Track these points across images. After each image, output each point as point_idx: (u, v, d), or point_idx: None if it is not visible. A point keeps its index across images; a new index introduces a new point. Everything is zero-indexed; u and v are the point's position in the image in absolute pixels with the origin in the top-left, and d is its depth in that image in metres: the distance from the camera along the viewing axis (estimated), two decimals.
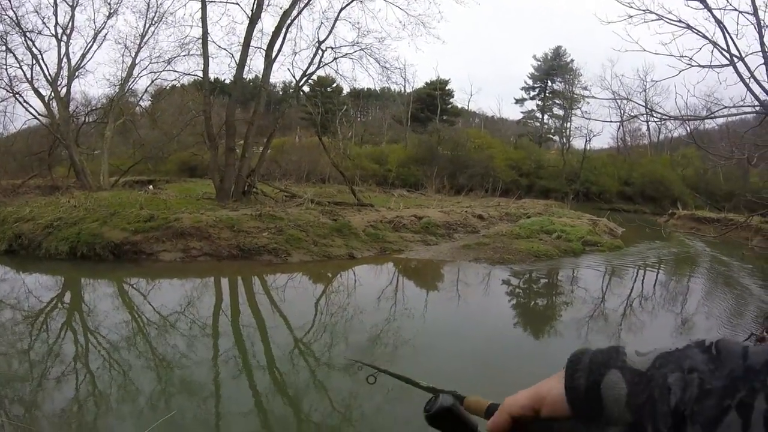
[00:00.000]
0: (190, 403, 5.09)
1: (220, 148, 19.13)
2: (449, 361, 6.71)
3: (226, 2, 19.68)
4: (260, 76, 20.51)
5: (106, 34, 25.01)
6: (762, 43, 9.03)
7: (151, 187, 22.50)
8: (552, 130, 54.21)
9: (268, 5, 19.76)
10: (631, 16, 10.15)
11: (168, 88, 29.43)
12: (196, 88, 26.44)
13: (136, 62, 24.94)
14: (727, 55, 9.30)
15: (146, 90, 29.06)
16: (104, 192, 19.13)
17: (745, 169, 26.64)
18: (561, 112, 51.34)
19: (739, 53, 9.27)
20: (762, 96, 9.09)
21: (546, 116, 53.73)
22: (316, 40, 20.89)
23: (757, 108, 9.46)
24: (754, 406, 0.47)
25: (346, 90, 49.90)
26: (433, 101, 49.80)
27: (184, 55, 22.02)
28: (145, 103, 31.31)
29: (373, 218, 16.22)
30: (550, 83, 52.56)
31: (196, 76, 21.31)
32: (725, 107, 10.62)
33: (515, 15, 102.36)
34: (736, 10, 9.47)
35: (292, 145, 38.24)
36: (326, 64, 21.38)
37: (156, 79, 25.85)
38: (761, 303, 11.47)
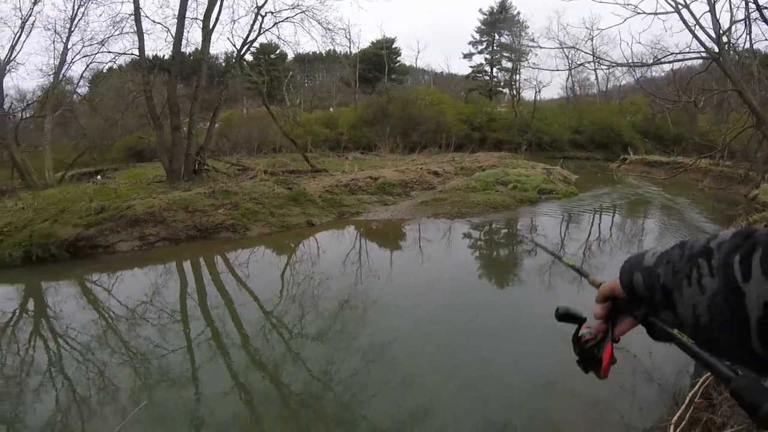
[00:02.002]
0: (170, 391, 5.11)
1: (165, 128, 18.55)
2: (418, 319, 6.89)
3: None
4: (199, 48, 19.91)
5: (33, 22, 23.61)
6: None
7: (99, 177, 21.75)
8: (502, 83, 54.37)
9: None
10: None
11: (105, 71, 28.13)
12: (134, 68, 25.32)
13: (69, 47, 23.70)
14: (672, 2, 9.47)
15: (82, 76, 27.77)
16: (51, 189, 18.38)
17: (692, 113, 27.33)
18: (510, 65, 51.49)
19: (684, 0, 9.44)
20: (708, 42, 9.31)
21: (495, 69, 53.70)
22: (255, 5, 20.22)
23: (703, 54, 9.69)
24: (691, 275, 0.77)
25: (290, 56, 49.03)
26: (380, 61, 49.35)
27: (117, 35, 21.02)
28: (83, 90, 29.80)
29: (329, 183, 16.19)
30: (497, 36, 52.44)
31: (133, 55, 20.38)
32: (671, 53, 10.89)
33: None
34: None
35: (239, 117, 37.50)
36: (267, 30, 20.79)
37: (91, 63, 24.39)
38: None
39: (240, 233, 11.92)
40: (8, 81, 26.09)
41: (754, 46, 12.10)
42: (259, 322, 6.97)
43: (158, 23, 19.17)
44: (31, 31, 23.83)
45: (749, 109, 9.05)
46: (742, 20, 10.05)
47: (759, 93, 12.56)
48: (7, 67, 23.54)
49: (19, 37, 23.46)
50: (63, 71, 24.59)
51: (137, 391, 5.07)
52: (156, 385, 5.27)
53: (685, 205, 17.55)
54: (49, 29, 23.98)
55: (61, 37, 23.67)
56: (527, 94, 50.78)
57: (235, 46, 20.76)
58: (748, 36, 11.11)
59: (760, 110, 9.27)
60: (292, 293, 8.44)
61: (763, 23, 9.18)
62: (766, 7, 9.31)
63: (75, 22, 23.20)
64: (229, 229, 11.93)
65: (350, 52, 45.71)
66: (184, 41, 18.89)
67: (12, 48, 23.55)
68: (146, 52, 19.20)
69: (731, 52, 10.50)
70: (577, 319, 1.12)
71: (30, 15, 23.26)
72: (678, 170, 17.14)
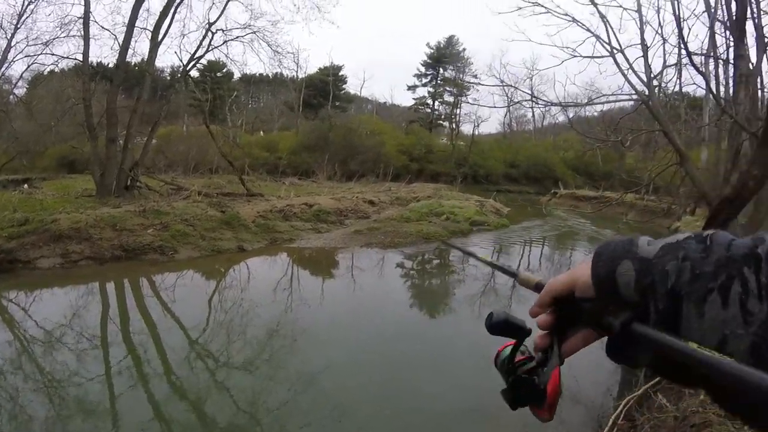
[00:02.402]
0: (87, 423, 4.93)
1: (100, 139, 18.05)
2: (349, 349, 7.00)
3: None
4: (145, 60, 19.58)
5: None
6: (642, 38, 9.98)
7: (26, 186, 20.87)
8: (442, 116, 55.96)
9: None
10: (520, 8, 10.81)
11: (46, 73, 27.06)
12: (75, 74, 24.44)
13: (12, 45, 22.73)
14: (608, 47, 10.16)
15: (21, 76, 26.23)
16: None
17: (621, 151, 28.99)
18: (451, 99, 53.11)
19: (620, 46, 10.19)
20: (639, 86, 10.01)
21: (437, 103, 55.28)
22: (207, 21, 20.33)
23: (634, 96, 10.37)
24: (731, 289, 0.57)
25: (236, 75, 48.71)
26: (325, 87, 49.81)
27: (63, 37, 20.21)
28: (21, 91, 28.56)
29: (263, 208, 16.16)
30: (441, 71, 54.07)
31: (76, 60, 19.82)
32: (604, 95, 11.63)
33: (411, 3, 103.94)
34: (620, 6, 10.41)
35: (179, 134, 36.80)
36: (216, 47, 20.86)
37: (32, 63, 23.26)
38: None
39: (168, 255, 11.68)
40: None
41: (684, 89, 13.13)
42: (184, 349, 6.83)
43: (107, 29, 18.69)
44: None
45: (674, 148, 9.77)
46: (673, 65, 10.90)
47: (685, 133, 13.57)
48: None
49: None
50: (2, 69, 23.50)
51: (52, 422, 4.85)
52: (72, 415, 5.06)
53: (611, 237, 18.51)
54: None
55: (5, 33, 22.61)
56: (466, 128, 52.56)
57: (182, 60, 20.57)
58: (678, 80, 12.10)
59: (684, 149, 9.98)
60: (220, 320, 8.34)
61: (692, 68, 9.94)
62: (695, 53, 10.16)
63: (23, 18, 22.20)
64: (157, 251, 11.66)
65: (297, 76, 45.97)
66: (130, 51, 18.68)
67: None
68: (90, 59, 18.74)
69: (661, 94, 11.28)
70: (518, 332, 0.84)
71: None
72: (605, 204, 18.17)
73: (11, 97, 27.47)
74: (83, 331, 7.36)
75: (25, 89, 28.53)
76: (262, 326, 7.88)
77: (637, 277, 0.66)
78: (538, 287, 0.85)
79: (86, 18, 17.80)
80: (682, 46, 9.34)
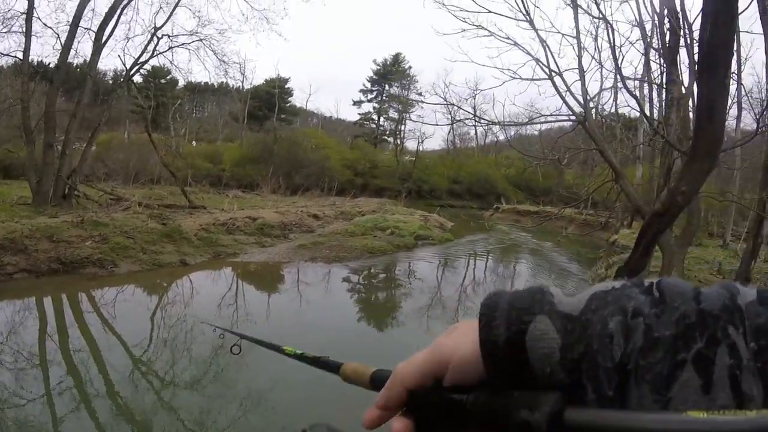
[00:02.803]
0: None
1: (38, 144, 17.40)
2: (296, 364, 6.95)
3: None
4: (87, 62, 19.01)
5: None
6: (580, 63, 10.52)
7: None
8: (387, 132, 56.61)
9: None
10: (464, 30, 11.18)
11: None
12: (14, 72, 23.49)
13: None
14: (548, 71, 10.62)
15: None
16: None
17: (560, 168, 30.14)
18: (396, 115, 53.77)
19: (558, 69, 10.68)
20: (576, 107, 10.51)
21: (382, 118, 55.97)
22: (153, 26, 19.93)
23: (572, 117, 10.87)
24: (715, 360, 0.38)
25: (181, 83, 47.85)
26: (271, 99, 49.60)
27: (4, 32, 19.55)
28: None
29: (206, 221, 15.94)
30: (387, 87, 54.78)
31: (16, 57, 19.07)
32: (543, 115, 12.15)
33: (359, 20, 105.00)
34: (559, 32, 10.94)
35: (120, 141, 35.84)
36: (161, 53, 20.47)
37: None
38: (579, 279, 13.40)
39: (108, 269, 11.31)
40: None
41: (620, 110, 13.88)
42: (128, 368, 6.65)
43: (49, 27, 18.08)
44: None
45: (609, 166, 10.31)
46: (609, 88, 11.53)
47: (620, 151, 14.32)
48: None
49: None
50: None
51: None
52: None
53: (552, 250, 19.29)
54: None
55: None
56: (410, 144, 53.42)
57: (125, 64, 20.07)
58: (614, 102, 12.81)
59: (619, 167, 10.55)
60: (164, 337, 8.16)
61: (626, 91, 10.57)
62: (630, 78, 10.80)
63: None
64: (96, 264, 11.27)
65: (243, 87, 45.57)
66: (72, 51, 18.08)
67: None
68: (31, 57, 18.08)
69: (598, 115, 11.89)
70: None
71: None
72: (546, 218, 18.91)
73: None
74: (20, 348, 7.04)
75: None
76: (208, 343, 7.76)
77: (563, 343, 0.43)
78: (375, 383, 0.63)
79: (29, 14, 17.17)
80: (617, 71, 9.91)
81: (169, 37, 20.35)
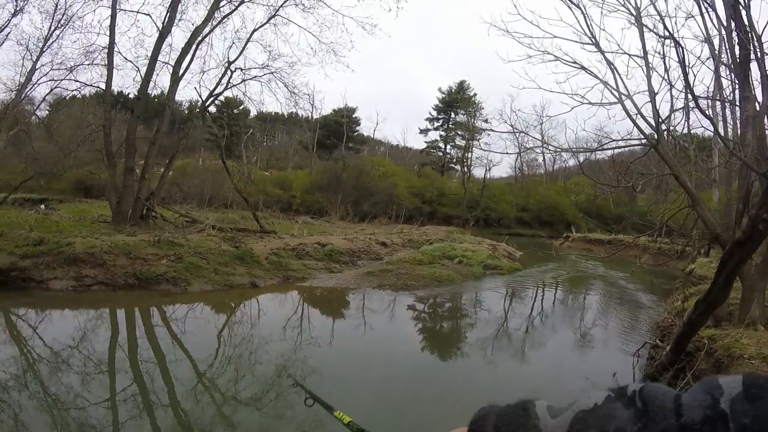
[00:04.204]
0: None
1: (118, 167, 18.27)
2: (356, 390, 6.80)
3: (137, 12, 19.02)
4: (165, 93, 19.93)
5: (8, 33, 22.78)
6: (649, 84, 10.00)
7: (42, 206, 21.04)
8: (454, 160, 56.48)
9: (179, 20, 19.34)
10: (530, 56, 10.86)
11: (68, 98, 27.50)
12: (97, 101, 24.95)
13: (37, 67, 23.12)
14: (617, 94, 10.15)
15: (44, 98, 26.76)
16: None
17: (632, 194, 29.03)
18: (463, 143, 53.61)
19: (628, 92, 10.17)
20: (647, 130, 9.99)
21: (449, 146, 55.95)
22: (226, 59, 20.67)
23: (643, 141, 10.34)
24: None
25: (253, 113, 49.54)
26: (339, 128, 50.47)
27: (87, 64, 20.67)
28: (43, 113, 29.02)
29: (276, 245, 16.08)
30: (453, 115, 54.85)
31: (99, 87, 20.26)
32: (613, 140, 11.61)
33: (423, 49, 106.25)
34: (626, 53, 10.46)
35: (195, 167, 37.25)
36: (234, 86, 21.16)
37: (56, 87, 23.66)
38: (652, 313, 12.63)
39: (181, 287, 11.56)
40: None
41: (692, 131, 13.13)
42: (191, 381, 6.65)
43: (129, 61, 19.13)
44: (3, 42, 23.08)
45: (685, 191, 9.70)
46: (680, 109, 10.92)
47: (695, 174, 13.50)
48: None
49: None
50: (27, 90, 23.88)
51: None
52: None
53: (625, 280, 18.38)
54: (21, 44, 23.17)
55: (31, 55, 23.08)
56: (478, 172, 52.99)
57: (200, 96, 20.95)
58: (686, 122, 12.11)
59: (695, 192, 9.91)
60: (228, 355, 8.17)
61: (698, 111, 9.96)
62: (701, 97, 10.17)
63: (48, 43, 22.66)
64: (170, 282, 11.56)
65: (312, 116, 46.68)
66: (151, 83, 19.02)
67: None
68: (112, 88, 19.13)
69: (669, 137, 11.27)
70: None
71: (6, 25, 22.69)
72: (618, 248, 17.99)
73: (33, 117, 28.01)
74: (91, 355, 7.24)
75: (46, 112, 29.09)
76: (271, 363, 7.72)
77: None
78: None
79: (111, 48, 18.28)
80: (688, 90, 9.36)
81: (241, 70, 21.08)
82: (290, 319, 10.60)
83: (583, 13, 10.31)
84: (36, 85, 23.87)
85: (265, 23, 20.72)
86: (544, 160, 55.56)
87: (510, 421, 0.49)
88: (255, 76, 21.25)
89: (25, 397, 5.61)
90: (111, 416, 5.45)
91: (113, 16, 18.25)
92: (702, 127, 13.84)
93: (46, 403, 5.53)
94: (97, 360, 7.11)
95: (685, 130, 13.14)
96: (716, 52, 10.31)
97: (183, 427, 5.49)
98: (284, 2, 20.52)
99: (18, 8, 22.01)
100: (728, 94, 10.90)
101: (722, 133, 11.17)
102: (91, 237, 12.49)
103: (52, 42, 22.65)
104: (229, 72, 20.57)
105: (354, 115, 55.30)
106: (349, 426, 0.85)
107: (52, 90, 24.33)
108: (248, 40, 20.61)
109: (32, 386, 5.93)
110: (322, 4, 21.10)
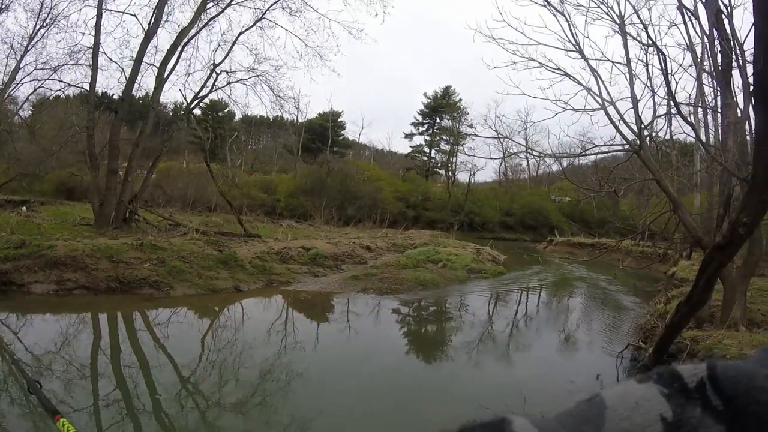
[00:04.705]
0: None
1: (101, 169, 18.10)
2: (341, 394, 6.79)
3: (123, 13, 18.95)
4: (150, 95, 19.82)
5: None
6: (632, 91, 10.11)
7: (24, 208, 20.77)
8: (438, 164, 56.68)
9: (165, 21, 19.28)
10: (515, 63, 10.94)
11: (51, 98, 27.22)
12: (81, 102, 24.65)
13: (21, 66, 22.84)
14: (600, 100, 10.26)
15: (27, 98, 26.47)
16: None
17: (615, 199, 29.30)
18: (447, 148, 53.85)
19: (611, 98, 10.30)
20: (630, 136, 10.11)
21: (433, 151, 56.11)
22: (212, 62, 20.65)
23: (626, 146, 10.46)
24: None
25: (238, 116, 49.32)
26: (324, 132, 50.40)
27: (72, 64, 20.48)
28: (26, 113, 28.69)
29: (260, 249, 16.01)
30: (438, 120, 55.02)
31: (83, 88, 20.09)
32: (596, 146, 11.73)
33: (409, 54, 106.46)
34: (610, 60, 10.58)
35: (179, 170, 36.99)
36: (219, 88, 21.12)
37: (39, 87, 23.53)
38: (635, 315, 12.77)
39: (163, 291, 11.44)
40: None
41: (674, 137, 13.29)
42: (175, 387, 6.58)
43: (114, 62, 18.99)
44: None
45: (667, 196, 9.83)
46: (663, 115, 11.06)
47: (677, 179, 13.64)
48: None
49: None
50: (10, 90, 23.60)
51: None
52: None
53: (608, 283, 18.57)
54: (6, 43, 22.89)
55: (15, 54, 22.81)
56: (462, 176, 53.02)
57: (185, 98, 20.87)
58: (668, 128, 12.26)
59: (677, 197, 10.05)
60: (212, 359, 8.11)
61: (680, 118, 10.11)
62: (683, 104, 10.32)
63: (33, 42, 22.42)
64: (152, 286, 11.42)
65: (297, 120, 46.42)
66: (136, 85, 18.88)
67: None
68: (96, 89, 18.98)
69: (652, 143, 11.40)
70: None
71: None
72: (601, 251, 18.16)
73: (15, 117, 27.67)
74: (73, 360, 7.13)
75: (30, 112, 28.78)
76: (256, 368, 7.68)
77: None
78: None
79: (96, 49, 18.17)
80: (670, 97, 9.49)
81: (227, 73, 21.05)
82: (274, 323, 10.56)
83: (567, 21, 10.43)
84: (20, 85, 23.61)
85: (252, 26, 20.73)
86: (528, 165, 56.11)
87: None
88: (240, 79, 21.24)
89: (6, 403, 5.52)
90: (95, 422, 5.38)
91: (99, 16, 18.15)
92: (684, 133, 13.92)
93: (28, 409, 5.44)
94: (79, 365, 7.00)
95: (668, 136, 13.27)
96: (698, 60, 10.49)
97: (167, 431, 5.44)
98: (271, 5, 20.54)
99: (3, 5, 21.75)
100: (710, 101, 11.10)
101: (704, 139, 11.34)
102: (73, 240, 12.34)
103: (37, 41, 22.41)
104: (214, 74, 20.55)
105: (339, 119, 55.32)
106: None
107: (35, 90, 24.11)
108: (234, 43, 20.60)
109: (13, 391, 5.83)
110: (308, 8, 21.14)
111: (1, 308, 9.15)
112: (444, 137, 54.72)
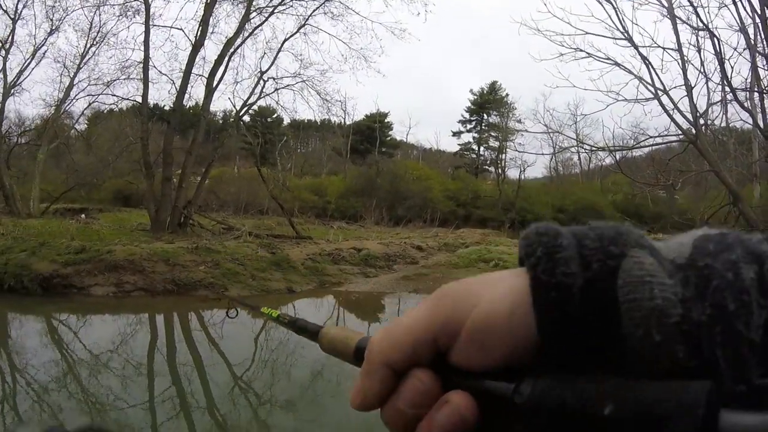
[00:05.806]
0: None
1: (156, 177, 18.64)
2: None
3: (170, 27, 19.54)
4: (200, 104, 20.29)
5: (45, 51, 24.03)
6: (685, 78, 9.72)
7: (83, 216, 21.60)
8: (488, 162, 55.76)
9: (212, 33, 19.69)
10: (562, 54, 10.71)
11: (105, 112, 28.48)
12: (134, 114, 25.63)
13: (74, 83, 23.99)
14: (652, 89, 9.92)
15: (83, 113, 28.02)
16: (34, 219, 18.27)
17: (671, 192, 28.26)
18: (496, 144, 52.95)
19: (663, 87, 9.92)
20: (685, 125, 9.69)
21: (482, 148, 55.30)
22: (259, 70, 20.96)
23: (681, 136, 10.03)
24: None
25: (286, 121, 49.97)
26: (372, 133, 50.38)
27: (124, 79, 21.43)
28: (81, 126, 30.12)
29: (312, 251, 16.08)
30: (486, 116, 54.25)
31: (135, 101, 20.85)
32: (650, 137, 11.31)
33: (453, 50, 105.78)
34: (660, 47, 10.18)
35: (230, 175, 37.75)
36: (267, 95, 21.47)
37: (93, 101, 24.81)
38: None
39: (218, 293, 11.72)
40: (10, 104, 25.98)
41: (731, 125, 12.67)
42: (228, 385, 6.70)
43: (164, 74, 19.57)
44: (41, 60, 24.21)
45: (726, 187, 9.35)
46: (718, 102, 10.54)
47: (735, 170, 12.98)
48: (12, 90, 23.78)
49: (29, 63, 23.88)
50: (65, 105, 24.83)
51: None
52: None
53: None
54: (59, 62, 24.33)
55: (68, 72, 24.00)
56: (512, 173, 51.91)
57: (234, 106, 21.26)
58: (724, 116, 11.65)
59: (736, 188, 9.55)
60: (265, 359, 8.22)
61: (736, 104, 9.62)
62: (739, 89, 9.81)
63: (85, 59, 23.58)
64: (207, 288, 11.67)
65: (344, 122, 46.79)
66: (186, 95, 19.38)
67: (20, 73, 23.95)
68: (148, 100, 19.62)
69: (708, 132, 10.91)
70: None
71: (43, 44, 23.72)
72: None
73: (72, 131, 28.98)
74: (130, 358, 7.36)
75: (85, 125, 30.14)
76: (307, 368, 7.65)
77: (684, 296, 0.26)
78: (361, 356, 0.42)
79: (146, 63, 18.82)
80: (725, 83, 9.02)
81: (274, 79, 21.36)
82: (326, 323, 10.52)
83: (614, 7, 10.14)
84: (74, 101, 24.84)
85: (295, 33, 20.93)
86: (579, 159, 54.54)
87: (607, 231, 0.30)
88: (287, 85, 21.51)
89: (64, 397, 5.72)
90: (149, 418, 5.51)
91: (147, 32, 18.78)
92: (741, 120, 13.24)
93: (86, 405, 5.63)
94: (136, 363, 7.23)
95: (723, 124, 12.60)
96: (752, 41, 9.95)
97: (220, 428, 5.53)
98: (313, 11, 20.69)
99: (54, 27, 22.80)
100: (766, 84, 10.49)
101: (762, 126, 10.73)
102: (130, 245, 12.71)
103: (89, 59, 23.61)
104: (261, 82, 20.86)
105: (386, 120, 55.25)
106: (277, 320, 0.54)
107: (90, 104, 25.49)
108: (279, 50, 20.88)
109: (72, 387, 6.06)
110: (350, 11, 21.17)
111: (63, 309, 9.58)
112: (492, 134, 53.92)
